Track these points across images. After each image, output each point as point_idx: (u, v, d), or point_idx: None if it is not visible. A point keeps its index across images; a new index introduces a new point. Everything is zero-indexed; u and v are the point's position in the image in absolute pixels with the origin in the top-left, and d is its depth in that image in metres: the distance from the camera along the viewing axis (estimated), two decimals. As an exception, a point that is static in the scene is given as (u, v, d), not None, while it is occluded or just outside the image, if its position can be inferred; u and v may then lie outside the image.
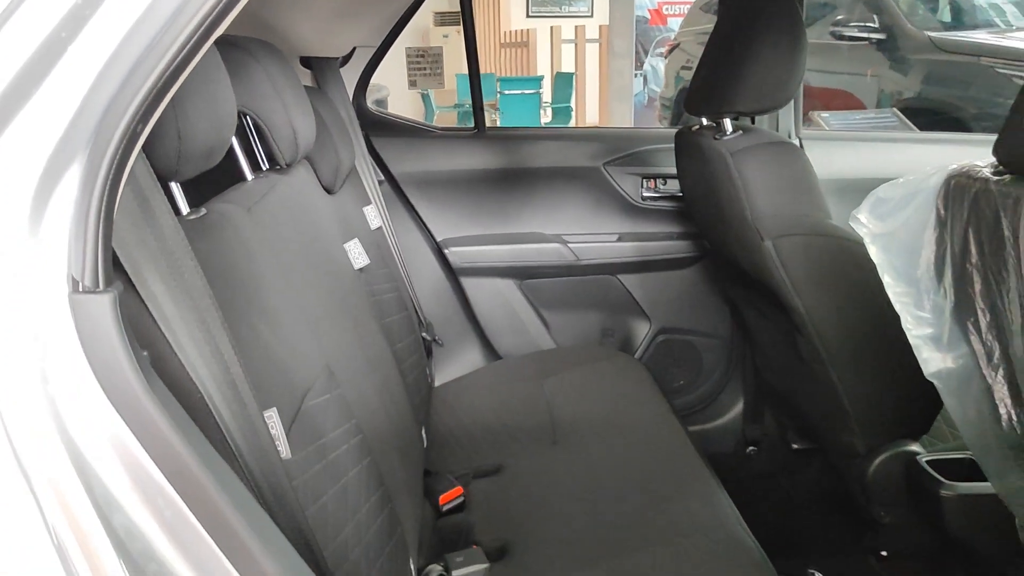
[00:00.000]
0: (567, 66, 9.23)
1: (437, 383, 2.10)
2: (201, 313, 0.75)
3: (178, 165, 0.88)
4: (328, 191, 1.60)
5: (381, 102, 7.38)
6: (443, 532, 1.47)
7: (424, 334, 2.03)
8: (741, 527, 1.32)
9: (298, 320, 1.11)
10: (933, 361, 1.30)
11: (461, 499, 1.53)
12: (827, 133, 2.70)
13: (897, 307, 1.28)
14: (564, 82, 8.72)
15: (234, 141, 1.24)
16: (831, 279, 1.50)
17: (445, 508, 1.52)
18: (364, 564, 1.02)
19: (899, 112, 4.50)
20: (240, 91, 1.21)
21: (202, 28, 0.62)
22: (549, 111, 8.63)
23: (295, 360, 1.05)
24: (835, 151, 2.18)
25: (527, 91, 8.09)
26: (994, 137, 1.07)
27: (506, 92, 7.99)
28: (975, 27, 5.11)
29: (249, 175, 1.26)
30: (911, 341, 1.25)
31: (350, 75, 2.07)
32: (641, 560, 1.28)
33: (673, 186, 2.16)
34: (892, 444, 1.59)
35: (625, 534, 1.34)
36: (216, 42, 1.05)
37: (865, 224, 1.33)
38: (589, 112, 9.16)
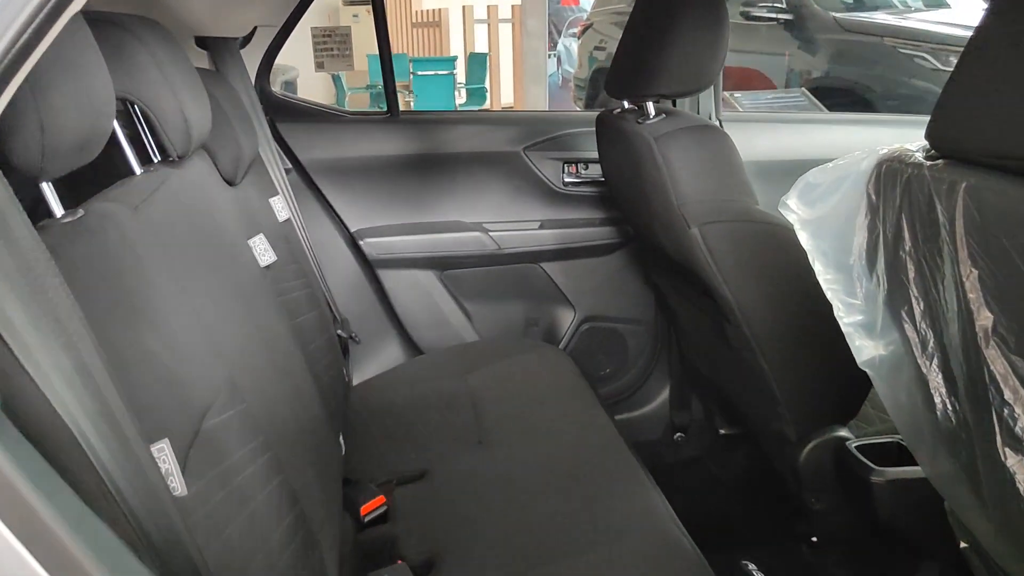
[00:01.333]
0: (480, 46, 9.12)
1: (356, 381, 2.00)
2: (69, 337, 0.64)
3: (43, 162, 0.76)
4: (229, 183, 1.48)
5: (290, 84, 7.11)
6: (366, 546, 1.39)
7: (339, 331, 1.92)
8: (675, 525, 1.28)
9: (194, 329, 1.00)
10: (865, 349, 1.28)
11: (384, 508, 1.45)
12: (747, 115, 2.70)
13: (828, 295, 1.25)
14: (478, 62, 8.62)
15: (119, 131, 1.12)
16: (759, 266, 1.47)
17: (367, 519, 1.43)
18: None
19: (808, 92, 4.59)
20: (121, 76, 1.08)
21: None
22: (464, 92, 8.53)
23: (192, 376, 0.94)
24: (755, 133, 2.16)
25: (441, 72, 7.97)
26: (910, 117, 1.05)
27: (419, 73, 7.86)
28: (875, 8, 5.24)
29: (137, 169, 1.14)
30: (843, 329, 1.22)
31: (252, 57, 1.93)
32: (574, 566, 1.22)
33: (595, 171, 2.11)
34: (822, 430, 1.58)
35: (556, 540, 1.28)
36: (91, 20, 0.93)
37: (795, 210, 1.29)
38: (504, 93, 9.10)
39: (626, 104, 1.70)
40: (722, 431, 2.19)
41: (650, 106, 1.59)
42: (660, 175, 1.51)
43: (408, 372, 1.96)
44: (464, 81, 8.61)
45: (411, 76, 7.80)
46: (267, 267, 1.47)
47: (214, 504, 0.87)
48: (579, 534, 1.29)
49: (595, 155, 1.95)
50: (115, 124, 1.12)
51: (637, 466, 1.45)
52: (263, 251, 1.46)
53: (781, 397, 1.54)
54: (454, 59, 8.35)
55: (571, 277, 2.16)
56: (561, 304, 2.18)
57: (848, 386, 1.51)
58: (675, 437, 2.27)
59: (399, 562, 1.27)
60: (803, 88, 5.04)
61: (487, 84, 8.70)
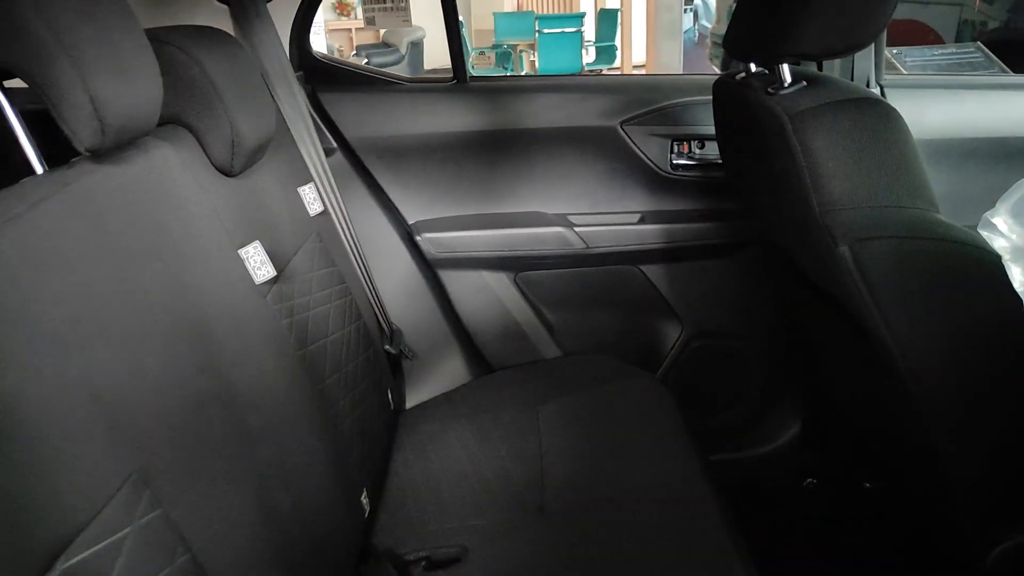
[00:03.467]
0: (612, 1, 8.60)
1: (410, 404, 1.67)
2: None
3: None
4: (225, 173, 1.16)
5: (416, 45, 6.83)
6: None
7: (388, 346, 1.59)
8: None
9: (79, 401, 0.68)
10: None
11: (404, 603, 1.12)
12: (915, 78, 2.14)
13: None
14: (608, 18, 8.11)
15: (13, 121, 0.81)
16: (940, 305, 1.02)
17: (381, 616, 1.11)
18: None
19: (984, 46, 3.87)
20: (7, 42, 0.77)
21: None
22: (592, 50, 8.05)
23: (53, 484, 0.62)
24: (926, 102, 1.65)
25: (568, 29, 7.55)
26: None
27: (544, 31, 7.44)
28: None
29: (39, 167, 0.83)
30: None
31: (286, 12, 1.60)
32: None
33: (712, 150, 1.67)
34: (1019, 528, 1.12)
35: None
36: None
37: (1004, 231, 0.85)
38: (636, 51, 8.58)
39: (753, 67, 1.27)
40: (867, 484, 1.73)
41: (786, 70, 1.15)
42: (797, 168, 1.07)
43: (470, 396, 1.61)
44: (593, 39, 8.11)
45: (536, 34, 7.41)
46: (267, 281, 1.15)
47: None
48: None
49: (712, 130, 1.52)
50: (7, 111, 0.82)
51: (739, 566, 1.05)
52: (259, 263, 1.14)
53: (958, 483, 1.09)
54: (582, 15, 7.87)
55: (678, 283, 1.73)
56: (664, 316, 1.76)
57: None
58: (805, 483, 1.82)
59: None
60: (978, 42, 4.30)
61: (617, 42, 8.18)
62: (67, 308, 0.72)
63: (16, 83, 0.81)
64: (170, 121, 1.09)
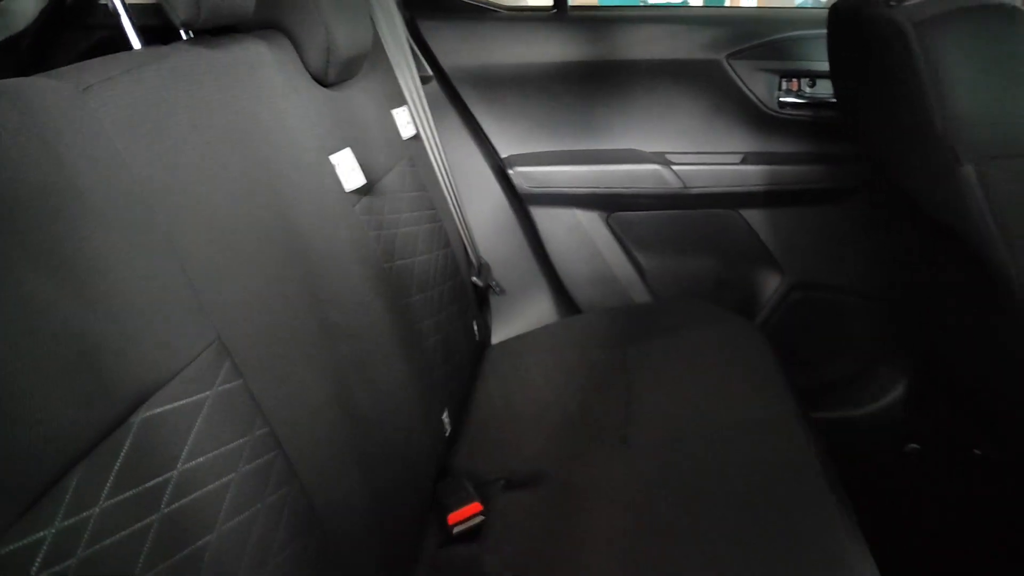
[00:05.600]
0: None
1: (496, 340, 1.66)
2: None
3: None
4: (320, 81, 1.16)
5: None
6: (445, 570, 1.05)
7: (476, 278, 1.58)
8: None
9: (166, 274, 0.69)
10: None
11: (479, 520, 1.10)
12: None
13: None
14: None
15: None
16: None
17: (455, 531, 1.09)
18: None
19: None
20: None
21: None
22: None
23: (134, 337, 0.63)
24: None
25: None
26: None
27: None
28: None
29: (137, 44, 0.84)
30: None
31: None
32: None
33: (824, 88, 1.57)
34: None
35: None
36: None
37: None
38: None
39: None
40: (977, 451, 1.61)
41: (909, -21, 1.06)
42: (918, 81, 0.99)
43: (557, 335, 1.58)
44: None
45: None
46: (357, 190, 1.14)
47: (117, 542, 0.56)
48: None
49: (824, 67, 1.43)
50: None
51: (838, 512, 0.98)
52: (350, 170, 1.13)
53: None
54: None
55: (780, 229, 1.65)
56: (764, 264, 1.68)
57: None
58: (907, 448, 1.72)
59: (475, 609, 0.92)
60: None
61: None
62: (156, 174, 0.72)
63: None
64: (268, 25, 1.09)
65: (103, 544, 0.55)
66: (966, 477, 1.62)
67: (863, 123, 1.32)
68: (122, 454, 0.59)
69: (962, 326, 1.34)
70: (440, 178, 1.53)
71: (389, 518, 0.97)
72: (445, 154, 1.56)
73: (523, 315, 1.70)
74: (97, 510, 0.55)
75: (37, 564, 0.50)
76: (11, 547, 0.49)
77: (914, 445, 1.71)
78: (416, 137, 1.46)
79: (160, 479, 0.61)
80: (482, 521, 1.10)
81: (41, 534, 0.51)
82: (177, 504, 0.62)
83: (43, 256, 0.57)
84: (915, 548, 1.42)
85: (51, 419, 0.54)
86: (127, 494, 0.58)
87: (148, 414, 0.62)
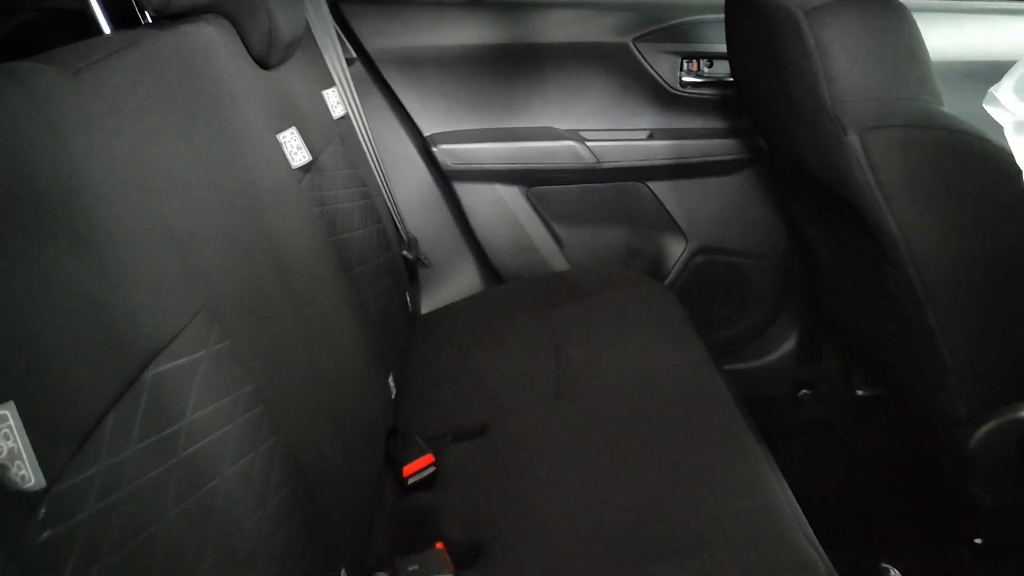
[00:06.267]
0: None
1: (426, 310, 1.74)
2: None
3: None
4: (262, 65, 1.20)
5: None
6: (405, 516, 1.13)
7: (406, 252, 1.65)
8: (801, 531, 0.96)
9: (154, 241, 0.74)
10: None
11: (431, 471, 1.19)
12: (921, 2, 2.18)
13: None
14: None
15: None
16: (942, 191, 1.09)
17: (410, 482, 1.18)
18: None
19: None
20: None
21: None
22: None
23: (137, 305, 0.68)
24: (928, 24, 1.70)
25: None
26: None
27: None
28: None
29: (107, 28, 0.87)
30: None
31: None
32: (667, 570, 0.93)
33: (722, 68, 1.72)
34: (1006, 408, 1.20)
35: (639, 536, 0.98)
36: None
37: (1007, 107, 0.91)
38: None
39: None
40: (860, 392, 1.82)
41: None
42: (810, 63, 1.13)
43: (484, 303, 1.67)
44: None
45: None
46: (302, 168, 1.20)
47: (150, 480, 0.62)
48: (670, 531, 0.99)
49: (723, 48, 1.57)
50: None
51: (750, 438, 1.12)
52: (296, 148, 1.19)
53: (953, 365, 1.17)
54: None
55: (684, 200, 1.80)
56: (670, 232, 1.83)
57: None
58: (800, 394, 1.91)
59: (438, 546, 1.01)
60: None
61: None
62: (142, 153, 0.77)
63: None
64: (211, 10, 1.13)
65: (138, 483, 0.61)
66: (851, 416, 1.83)
67: (758, 100, 1.46)
68: (141, 405, 0.65)
69: (850, 282, 1.51)
70: (369, 157, 1.59)
71: (355, 471, 1.05)
72: (372, 133, 1.62)
73: (449, 286, 1.79)
74: (131, 452, 0.61)
75: (92, 497, 0.56)
76: (71, 481, 0.55)
77: (806, 391, 1.91)
78: (345, 117, 1.52)
79: (174, 428, 0.67)
80: (434, 472, 1.19)
81: (92, 471, 0.57)
82: (190, 450, 0.68)
83: (64, 235, 0.62)
84: (813, 483, 1.59)
85: (83, 373, 0.60)
86: (151, 440, 0.64)
87: (157, 371, 0.68)
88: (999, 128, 0.90)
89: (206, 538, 0.67)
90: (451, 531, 1.06)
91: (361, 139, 1.58)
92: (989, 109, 0.91)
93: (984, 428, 1.21)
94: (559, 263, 1.82)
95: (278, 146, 1.15)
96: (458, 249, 1.81)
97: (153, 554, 0.60)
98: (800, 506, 1.01)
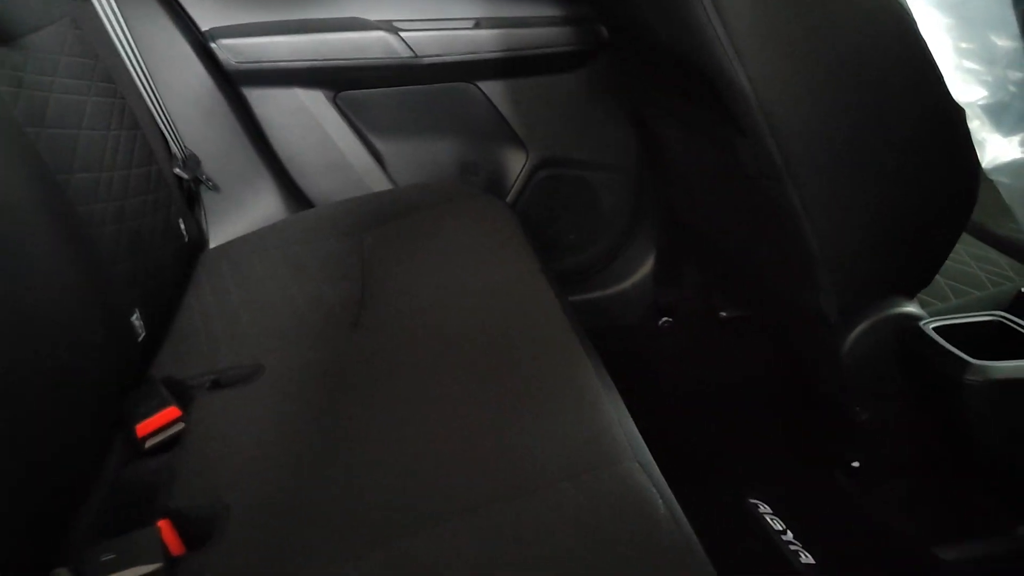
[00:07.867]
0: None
1: (214, 243, 1.43)
2: None
3: None
4: None
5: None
6: (129, 487, 0.85)
7: (178, 170, 1.34)
8: (638, 463, 0.74)
9: None
10: (993, 146, 0.73)
11: (179, 427, 0.90)
12: None
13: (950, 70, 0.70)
14: None
15: None
16: (802, 32, 0.87)
17: (149, 443, 0.89)
18: None
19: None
20: None
21: None
22: None
23: None
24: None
25: None
26: None
27: None
28: None
29: None
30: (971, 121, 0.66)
31: None
32: (457, 534, 0.69)
33: (553, -55, 1.47)
34: (879, 305, 1.02)
35: (435, 490, 0.74)
36: None
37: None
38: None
39: None
40: (723, 313, 1.64)
41: None
42: None
43: (286, 232, 1.38)
44: None
45: None
46: None
47: None
48: (469, 475, 0.75)
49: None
50: None
51: (584, 360, 0.90)
52: None
53: (820, 252, 0.97)
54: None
55: (520, 102, 1.55)
56: (507, 141, 1.58)
57: (923, 240, 0.96)
58: (660, 322, 1.72)
59: (160, 524, 0.73)
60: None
61: None
62: None
63: None
64: None
65: None
66: (715, 341, 1.65)
67: None
68: None
69: (702, 177, 1.31)
70: (121, 49, 1.27)
71: (65, 432, 0.77)
72: (128, 26, 1.29)
73: (244, 214, 1.48)
74: None
75: None
76: None
77: (667, 319, 1.72)
78: (87, 4, 1.20)
79: None
80: (182, 429, 0.90)
81: None
82: None
83: None
84: (674, 417, 1.40)
85: None
86: None
87: None
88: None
89: None
90: (184, 503, 0.78)
91: (109, 27, 1.25)
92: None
93: (857, 329, 1.03)
94: (380, 182, 1.54)
95: None
96: (254, 169, 1.49)
97: None
98: (657, 442, 0.79)
